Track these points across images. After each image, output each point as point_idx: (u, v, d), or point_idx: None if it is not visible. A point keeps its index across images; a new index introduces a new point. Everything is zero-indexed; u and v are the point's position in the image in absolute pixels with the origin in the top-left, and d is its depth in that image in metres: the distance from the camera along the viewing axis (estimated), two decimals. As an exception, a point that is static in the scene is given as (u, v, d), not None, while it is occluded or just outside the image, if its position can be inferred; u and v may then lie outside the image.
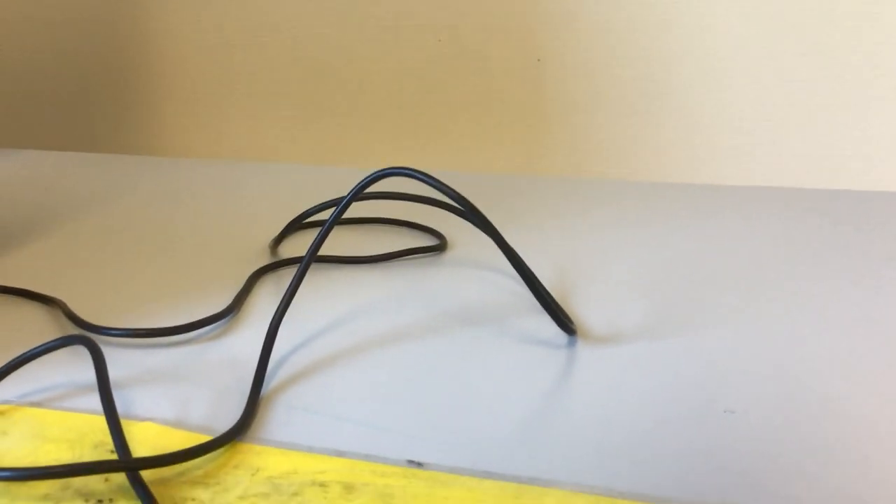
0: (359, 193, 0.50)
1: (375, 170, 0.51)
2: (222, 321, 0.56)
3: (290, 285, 0.51)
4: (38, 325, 0.55)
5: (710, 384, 0.47)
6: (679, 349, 0.51)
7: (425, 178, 0.51)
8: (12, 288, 0.59)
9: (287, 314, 0.56)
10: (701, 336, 0.53)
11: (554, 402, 0.46)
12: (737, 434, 0.43)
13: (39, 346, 0.46)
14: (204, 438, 0.43)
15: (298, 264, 0.64)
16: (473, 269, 0.64)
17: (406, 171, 0.51)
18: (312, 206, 0.71)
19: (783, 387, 0.47)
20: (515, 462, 0.41)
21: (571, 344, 0.53)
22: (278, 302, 0.58)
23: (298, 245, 0.70)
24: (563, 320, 0.53)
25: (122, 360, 0.51)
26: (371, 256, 0.65)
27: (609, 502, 0.38)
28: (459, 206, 0.51)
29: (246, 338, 0.54)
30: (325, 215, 0.75)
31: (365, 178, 0.51)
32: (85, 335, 0.46)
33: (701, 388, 0.47)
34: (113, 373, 0.49)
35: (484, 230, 0.52)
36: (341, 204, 0.51)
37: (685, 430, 0.43)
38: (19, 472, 0.37)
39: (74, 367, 0.50)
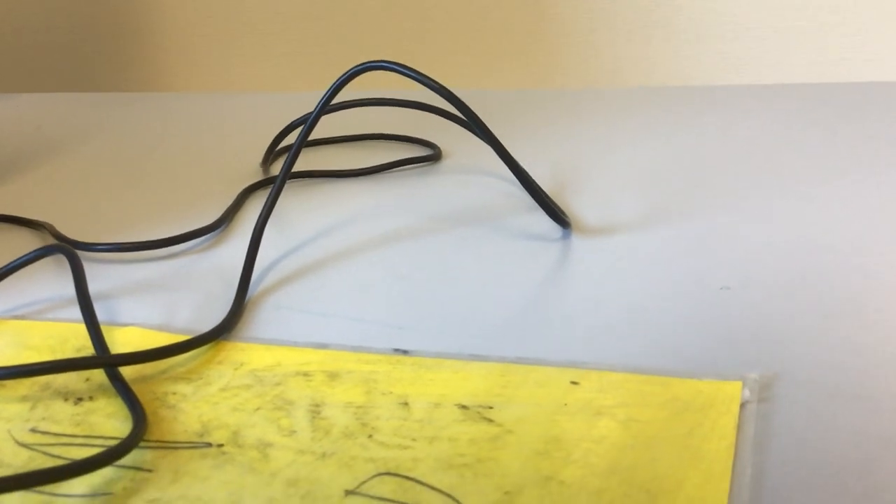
0: (339, 89, 0.49)
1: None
2: (211, 234, 0.55)
3: (273, 187, 0.49)
4: (26, 248, 0.55)
5: (705, 266, 0.46)
6: (673, 237, 0.50)
7: (407, 72, 0.49)
8: (0, 215, 0.58)
9: (277, 225, 0.55)
10: (695, 224, 0.51)
11: (546, 290, 0.45)
12: (733, 308, 0.41)
13: (19, 259, 0.45)
14: (187, 338, 0.42)
15: (289, 179, 0.63)
16: (468, 176, 0.63)
17: (387, 65, 0.49)
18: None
19: (777, 265, 0.45)
20: (503, 346, 0.40)
21: (566, 237, 0.51)
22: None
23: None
24: (558, 213, 0.51)
25: (109, 274, 0.50)
26: (362, 169, 0.64)
27: (599, 375, 0.37)
28: (444, 98, 0.49)
29: (235, 249, 0.53)
30: (316, 131, 0.74)
31: (343, 75, 0.49)
32: (63, 245, 0.45)
33: (696, 270, 0.46)
34: (99, 286, 0.48)
35: (471, 123, 0.50)
36: (321, 101, 0.49)
37: (680, 307, 0.42)
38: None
39: (58, 281, 0.49)
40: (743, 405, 0.34)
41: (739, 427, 0.33)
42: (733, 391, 0.35)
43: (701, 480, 0.30)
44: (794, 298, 0.42)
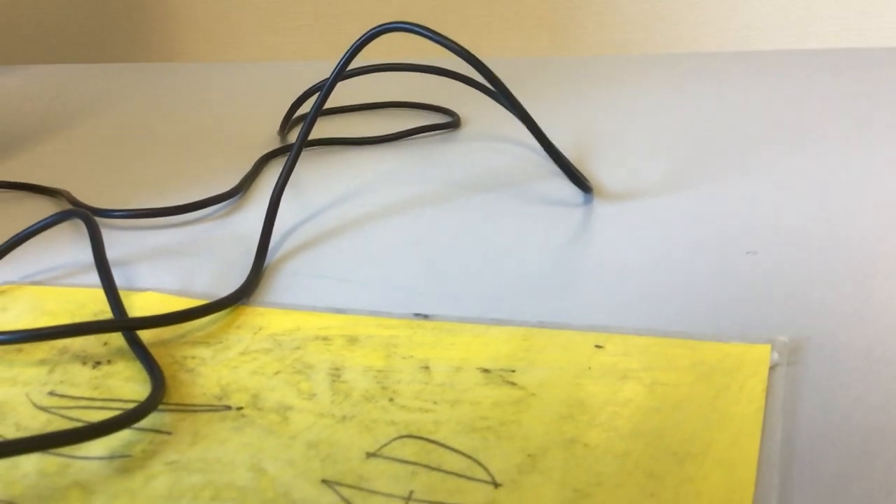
0: (358, 51, 0.48)
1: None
2: (229, 201, 0.54)
3: (290, 153, 0.49)
4: (43, 215, 0.54)
5: (731, 230, 0.45)
6: (697, 202, 0.49)
7: (427, 33, 0.48)
8: (18, 183, 0.58)
9: (295, 193, 0.55)
10: (719, 189, 0.50)
11: (569, 255, 0.44)
12: (760, 272, 0.41)
13: (36, 224, 0.45)
14: (205, 303, 0.41)
15: (307, 147, 0.63)
16: (488, 143, 0.62)
17: (407, 26, 0.48)
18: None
19: (804, 229, 0.44)
20: (526, 311, 0.39)
21: (588, 202, 0.50)
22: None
23: (309, 133, 0.68)
24: (580, 178, 0.50)
25: (126, 241, 0.50)
26: (380, 136, 0.63)
27: (623, 338, 0.36)
28: (465, 59, 0.48)
29: (253, 216, 0.52)
30: (330, 99, 0.73)
31: (362, 36, 0.48)
32: (80, 210, 0.45)
33: (721, 235, 0.45)
34: (116, 252, 0.48)
35: (492, 85, 0.49)
36: (338, 64, 0.48)
37: (706, 271, 0.41)
38: (12, 336, 0.36)
39: (76, 246, 0.49)
40: (772, 368, 0.33)
41: (769, 390, 0.32)
42: (762, 354, 0.34)
43: (729, 443, 0.29)
44: (823, 262, 0.41)
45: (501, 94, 0.49)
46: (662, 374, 0.33)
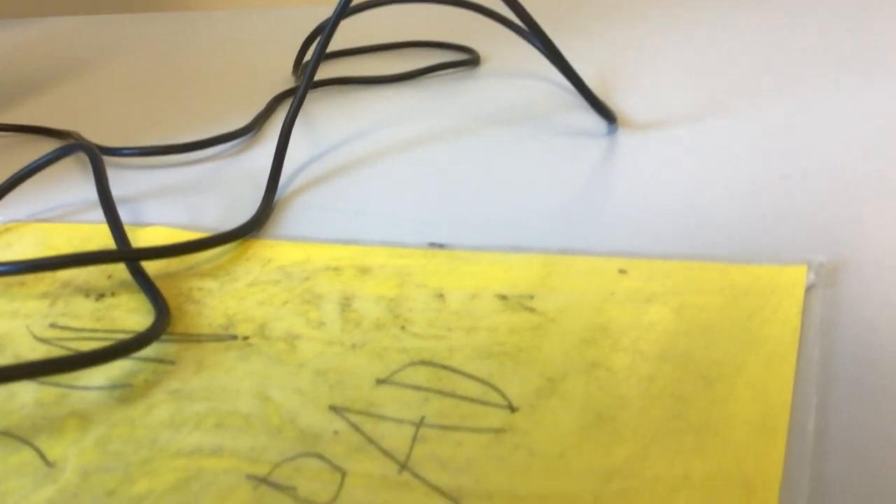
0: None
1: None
2: (241, 139, 0.53)
3: (301, 83, 0.47)
4: (54, 157, 0.53)
5: (762, 156, 0.43)
6: (727, 129, 0.46)
7: (440, -43, 0.46)
8: (30, 126, 0.57)
9: (310, 131, 0.53)
10: (750, 116, 0.48)
11: (592, 184, 0.42)
12: (794, 196, 0.38)
13: (40, 159, 0.43)
14: (213, 236, 0.40)
15: (321, 87, 0.61)
16: (508, 79, 0.60)
17: (418, -50, 0.46)
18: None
19: (839, 153, 0.42)
20: (547, 239, 0.37)
21: (612, 132, 0.48)
22: (300, 122, 0.55)
23: (320, 70, 0.66)
24: (604, 108, 0.48)
25: (135, 179, 0.48)
26: (398, 74, 0.61)
27: (649, 263, 0.34)
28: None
29: (266, 154, 0.50)
30: (345, 39, 0.71)
31: (373, -39, 0.46)
32: (83, 143, 0.44)
33: (752, 161, 0.42)
34: (125, 190, 0.47)
35: (512, 10, 0.47)
36: (348, -9, 0.46)
37: (737, 196, 0.39)
38: (12, 267, 0.35)
39: (82, 184, 0.48)
40: (808, 290, 0.31)
41: (805, 312, 0.30)
42: (797, 275, 0.32)
43: (762, 365, 0.27)
44: (860, 184, 0.39)
45: (521, 19, 0.47)
46: (690, 297, 0.31)
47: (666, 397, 0.27)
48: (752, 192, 0.39)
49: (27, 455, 0.27)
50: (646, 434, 0.25)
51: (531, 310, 0.32)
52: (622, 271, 0.34)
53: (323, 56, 0.47)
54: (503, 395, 0.28)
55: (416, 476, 0.25)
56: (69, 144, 0.43)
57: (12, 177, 0.43)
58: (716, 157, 0.43)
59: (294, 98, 0.47)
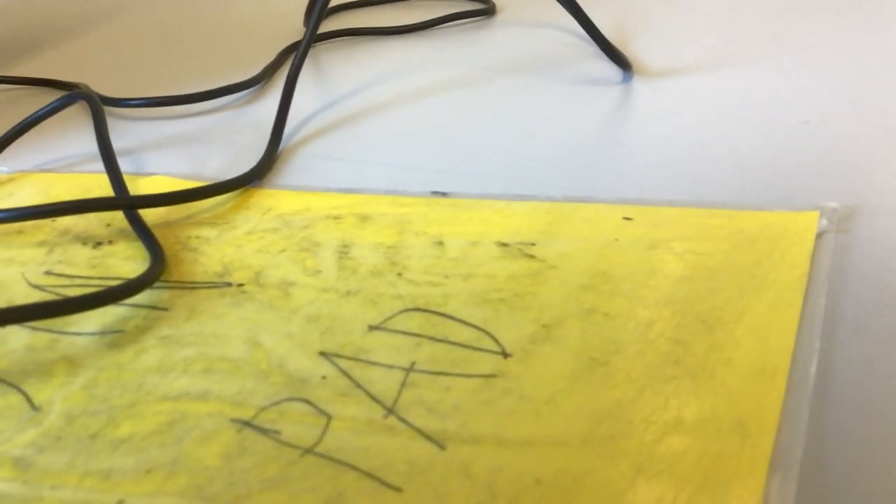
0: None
1: None
2: (249, 90, 0.52)
3: (307, 30, 0.46)
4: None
5: (780, 102, 0.41)
6: (744, 76, 0.45)
7: None
8: (37, 79, 0.56)
9: (318, 81, 0.52)
10: (768, 64, 0.46)
11: (602, 131, 0.41)
12: (812, 142, 0.37)
13: (42, 109, 0.43)
14: (214, 185, 0.39)
15: (332, 38, 0.60)
16: (524, 28, 0.58)
17: None
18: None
19: (860, 99, 0.40)
20: (552, 186, 0.36)
21: (627, 80, 0.47)
22: (308, 73, 0.54)
23: (334, 22, 0.65)
24: (618, 56, 0.47)
25: (141, 130, 0.48)
26: (410, 25, 0.60)
27: (655, 210, 0.33)
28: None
29: (273, 104, 0.50)
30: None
31: None
32: (83, 92, 0.43)
33: (769, 107, 0.41)
34: (130, 141, 0.46)
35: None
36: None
37: (752, 143, 0.38)
38: (8, 213, 0.35)
39: (86, 136, 0.47)
40: (820, 235, 0.30)
41: (814, 257, 0.29)
42: (808, 221, 0.30)
43: (766, 310, 0.26)
44: (880, 131, 0.37)
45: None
46: (696, 243, 0.30)
47: (663, 342, 0.26)
48: (769, 138, 0.38)
49: (13, 399, 0.27)
50: (639, 378, 0.24)
51: (531, 257, 0.31)
52: (627, 218, 0.33)
53: (327, 5, 0.46)
54: (496, 341, 0.27)
55: (402, 420, 0.24)
56: (70, 93, 0.43)
57: (15, 127, 0.43)
58: (733, 104, 0.42)
59: (298, 48, 0.46)
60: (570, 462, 0.22)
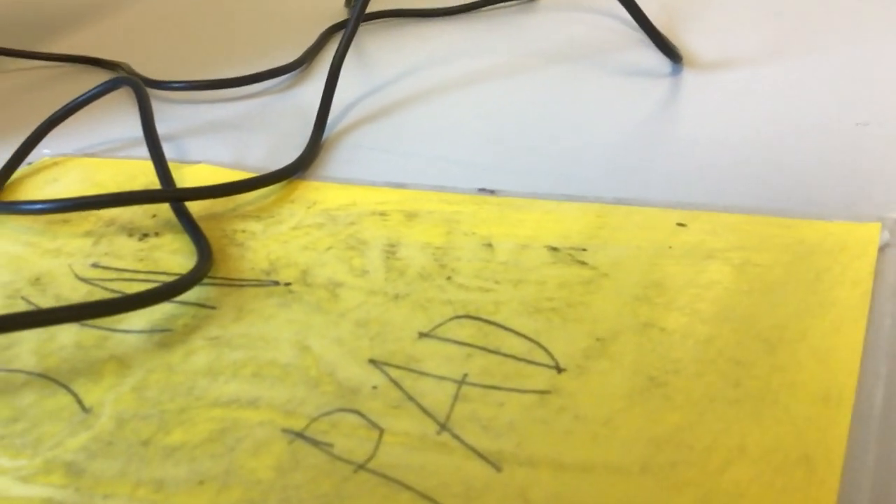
0: None
1: None
2: (291, 74, 0.51)
3: (352, 16, 0.45)
4: (104, 90, 0.52)
5: (838, 101, 0.40)
6: (800, 71, 0.44)
7: None
8: (79, 56, 0.56)
9: (361, 65, 0.52)
10: (825, 58, 0.45)
11: (653, 128, 0.40)
12: (870, 145, 0.36)
13: (85, 94, 0.43)
14: (259, 176, 0.39)
15: (375, 20, 0.59)
16: (569, 13, 0.57)
17: None
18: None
19: (933, 98, 0.39)
20: (602, 187, 0.36)
21: (677, 72, 0.46)
22: (351, 58, 0.54)
23: (378, 2, 0.64)
24: (668, 46, 0.46)
25: (183, 114, 0.47)
26: (454, 7, 0.59)
27: (710, 216, 0.32)
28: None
29: (316, 90, 0.49)
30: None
31: None
32: (128, 77, 0.43)
33: (827, 106, 0.40)
34: (173, 126, 0.46)
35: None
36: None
37: (808, 145, 0.37)
38: (54, 204, 0.34)
39: (130, 120, 0.47)
40: (882, 249, 0.29)
41: (877, 272, 0.28)
42: (870, 233, 0.30)
43: (829, 329, 0.26)
44: (947, 135, 0.36)
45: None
46: (754, 254, 0.30)
47: (723, 362, 0.25)
48: (825, 140, 0.37)
49: (64, 399, 0.27)
50: (700, 401, 0.24)
51: (583, 263, 0.30)
52: (681, 224, 0.32)
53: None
54: (549, 355, 0.26)
55: (456, 437, 0.24)
56: (115, 78, 0.43)
57: (59, 110, 0.43)
58: (787, 101, 0.41)
59: (344, 31, 0.45)
60: (631, 491, 0.21)
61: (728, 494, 0.21)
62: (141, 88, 0.42)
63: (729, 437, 0.22)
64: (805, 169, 0.35)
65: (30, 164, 0.42)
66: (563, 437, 0.23)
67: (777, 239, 0.30)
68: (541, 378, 0.25)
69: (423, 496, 0.22)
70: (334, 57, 0.45)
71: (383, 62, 0.52)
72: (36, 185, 0.40)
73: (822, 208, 0.32)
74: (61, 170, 0.42)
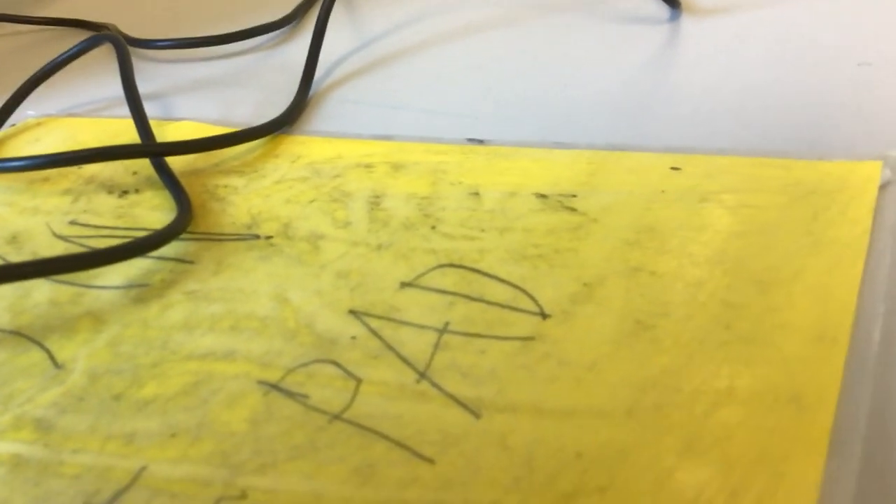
0: None
1: None
2: (279, 31, 0.50)
3: (338, -29, 0.44)
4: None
5: (840, 42, 0.39)
6: (801, 14, 0.42)
7: None
8: (64, 19, 0.55)
9: (351, 20, 0.50)
10: (823, 1, 0.43)
11: (648, 75, 0.39)
12: (873, 85, 0.35)
13: (66, 51, 0.42)
14: (243, 132, 0.38)
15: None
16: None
17: None
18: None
19: (940, 36, 0.38)
20: (594, 134, 0.34)
21: (675, 18, 0.44)
22: (342, 13, 0.52)
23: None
24: (665, -8, 0.44)
25: (169, 73, 0.46)
26: (448, -40, 0.57)
27: (705, 159, 0.31)
28: None
29: (307, 45, 0.48)
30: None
31: None
32: (108, 34, 0.42)
33: (828, 47, 0.38)
34: (158, 85, 0.45)
35: None
36: None
37: (808, 86, 0.35)
38: (31, 161, 0.34)
39: (113, 80, 0.46)
40: (883, 187, 0.28)
41: (877, 211, 0.27)
42: (870, 171, 0.28)
43: (825, 269, 0.24)
44: (953, 73, 0.35)
45: None
46: (750, 196, 0.28)
47: (714, 304, 0.24)
48: (826, 81, 0.35)
49: (36, 356, 0.26)
50: (688, 344, 0.23)
51: (572, 209, 0.29)
52: (675, 168, 0.31)
53: (361, -62, 0.44)
54: (534, 301, 0.25)
55: (435, 385, 0.23)
56: (95, 35, 0.42)
57: (41, 69, 0.42)
58: (787, 44, 0.39)
59: (331, -16, 0.44)
60: (614, 435, 0.20)
61: (715, 437, 0.20)
62: (121, 45, 0.41)
63: (717, 379, 0.21)
64: (806, 112, 0.34)
65: (13, 125, 0.41)
66: (545, 383, 0.22)
67: (774, 180, 0.29)
68: (525, 325, 0.25)
69: (399, 444, 0.21)
70: (320, 10, 0.44)
71: (375, 16, 0.51)
72: (18, 145, 0.40)
73: (822, 150, 0.31)
74: (44, 130, 0.41)
